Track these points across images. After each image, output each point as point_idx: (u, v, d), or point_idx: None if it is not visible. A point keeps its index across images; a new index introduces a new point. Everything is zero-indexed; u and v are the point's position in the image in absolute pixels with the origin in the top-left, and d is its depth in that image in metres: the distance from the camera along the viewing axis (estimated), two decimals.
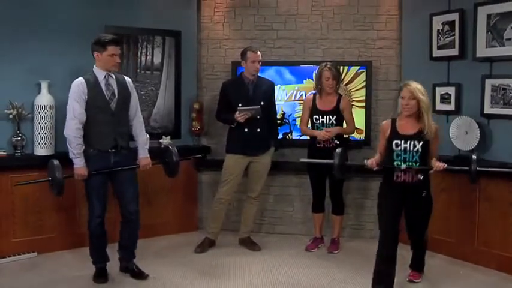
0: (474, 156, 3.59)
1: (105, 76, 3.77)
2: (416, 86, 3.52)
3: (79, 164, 3.71)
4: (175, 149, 4.04)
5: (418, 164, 3.52)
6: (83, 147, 3.72)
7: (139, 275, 3.92)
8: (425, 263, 4.00)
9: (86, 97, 3.70)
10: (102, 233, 3.86)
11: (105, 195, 3.84)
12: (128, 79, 3.97)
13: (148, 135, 4.06)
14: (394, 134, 3.58)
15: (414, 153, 3.52)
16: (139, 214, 3.94)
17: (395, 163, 3.55)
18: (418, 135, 3.52)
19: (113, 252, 4.01)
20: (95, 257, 3.91)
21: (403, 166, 3.52)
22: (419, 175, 3.54)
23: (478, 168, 3.56)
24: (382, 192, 3.69)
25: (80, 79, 3.74)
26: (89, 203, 3.83)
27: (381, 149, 3.72)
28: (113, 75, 3.83)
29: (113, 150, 3.78)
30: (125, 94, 3.86)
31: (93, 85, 3.73)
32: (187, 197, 5.22)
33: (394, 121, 3.64)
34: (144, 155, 3.98)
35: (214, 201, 4.66)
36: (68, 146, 3.73)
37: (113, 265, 4.00)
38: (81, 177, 3.74)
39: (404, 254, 3.83)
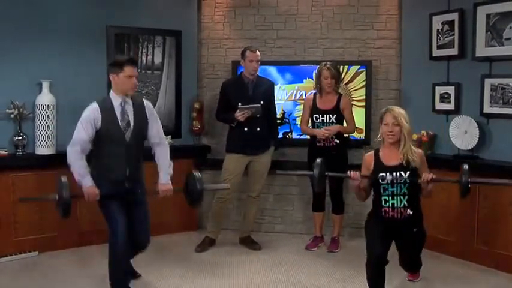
0: (466, 166, 3.23)
1: (121, 103, 3.46)
2: (400, 111, 3.33)
3: (87, 183, 3.36)
4: (199, 174, 3.60)
5: (407, 197, 3.29)
6: (88, 168, 3.43)
7: (132, 274, 3.80)
8: (425, 262, 4.02)
9: (99, 125, 3.41)
10: (127, 254, 3.53)
11: (125, 217, 3.48)
12: (147, 104, 3.63)
13: (172, 162, 3.69)
14: (379, 166, 3.35)
15: (402, 185, 3.28)
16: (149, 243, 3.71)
17: (382, 198, 3.32)
18: (403, 165, 3.29)
19: (106, 252, 3.99)
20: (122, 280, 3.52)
21: (389, 177, 3.27)
22: (408, 210, 3.30)
23: (469, 180, 3.21)
24: (369, 224, 3.47)
25: (95, 106, 3.44)
26: (109, 222, 3.45)
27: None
28: (130, 101, 3.51)
29: (126, 184, 3.50)
30: (142, 124, 3.54)
31: (107, 113, 3.42)
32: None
33: (377, 152, 3.41)
34: (165, 181, 3.61)
35: (214, 201, 4.68)
36: (72, 170, 3.42)
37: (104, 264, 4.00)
38: (92, 198, 3.38)
39: None
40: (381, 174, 3.31)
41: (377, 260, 3.24)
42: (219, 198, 4.62)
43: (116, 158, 3.45)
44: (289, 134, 5.13)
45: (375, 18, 5.04)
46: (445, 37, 4.53)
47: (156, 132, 3.63)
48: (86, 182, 3.37)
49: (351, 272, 4.10)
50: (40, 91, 4.40)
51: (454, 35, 4.46)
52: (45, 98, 4.39)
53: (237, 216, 5.10)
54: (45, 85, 4.40)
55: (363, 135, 5.00)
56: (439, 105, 4.61)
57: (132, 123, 3.48)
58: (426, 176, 3.25)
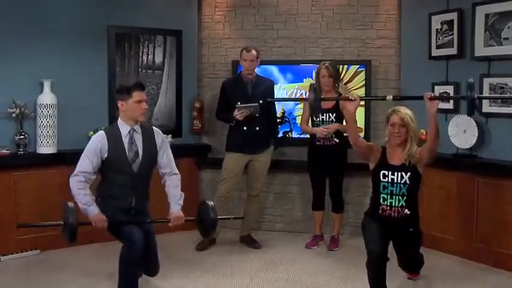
0: (471, 80, 3.28)
1: (129, 131, 3.36)
2: (406, 112, 3.34)
3: (94, 211, 3.28)
4: (212, 203, 3.52)
5: (405, 197, 3.32)
6: (92, 196, 3.35)
7: None
8: (424, 261, 4.05)
9: (105, 156, 3.31)
10: (139, 263, 3.41)
11: (137, 227, 3.38)
12: (157, 132, 3.51)
13: (183, 193, 3.65)
14: (383, 163, 3.40)
15: (402, 186, 3.32)
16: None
17: (381, 196, 3.37)
18: (405, 166, 3.34)
19: (107, 249, 4.02)
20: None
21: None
22: (406, 210, 3.33)
23: (475, 96, 3.27)
24: (366, 224, 3.49)
25: (102, 134, 3.35)
26: (122, 234, 3.34)
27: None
28: (139, 130, 3.40)
29: (131, 211, 3.43)
30: (152, 153, 3.44)
31: (114, 142, 3.32)
32: (188, 195, 5.18)
33: (384, 150, 3.46)
34: (176, 210, 3.53)
35: (214, 199, 4.69)
36: (76, 200, 3.34)
37: (111, 262, 4.01)
38: (100, 225, 3.29)
39: None
40: (383, 172, 3.36)
41: (377, 259, 3.26)
42: (219, 196, 4.64)
43: (122, 188, 3.36)
44: (289, 133, 5.16)
45: (375, 18, 5.06)
46: (444, 37, 4.56)
47: (167, 161, 3.53)
48: (92, 210, 3.29)
49: (351, 271, 4.13)
50: (41, 91, 4.43)
51: (453, 34, 4.48)
52: (47, 97, 4.42)
53: (238, 214, 5.12)
54: (47, 85, 4.42)
55: (362, 134, 5.01)
56: (439, 105, 4.62)
57: (140, 154, 3.38)
58: (427, 93, 3.27)
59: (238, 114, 4.42)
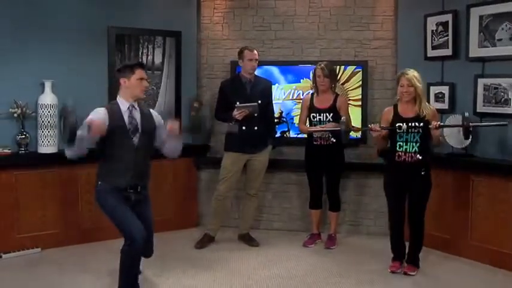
0: (466, 114, 3.91)
1: (128, 107, 3.44)
2: (413, 74, 3.88)
3: (84, 127, 3.20)
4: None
5: (418, 143, 3.87)
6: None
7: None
8: (421, 258, 4.11)
9: (107, 127, 3.31)
10: (140, 257, 3.49)
11: (138, 221, 3.39)
12: (154, 113, 3.65)
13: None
14: (397, 117, 3.95)
15: (415, 134, 3.86)
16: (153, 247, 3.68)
17: (397, 144, 3.91)
18: (418, 118, 3.87)
19: (107, 247, 4.07)
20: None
21: (404, 127, 3.86)
22: (418, 155, 3.88)
23: (470, 124, 3.87)
24: (387, 176, 4.10)
25: (102, 109, 3.41)
26: (123, 228, 3.35)
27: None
28: (137, 108, 3.49)
29: (131, 191, 3.43)
30: (150, 128, 3.52)
31: (115, 116, 3.38)
32: (187, 194, 5.31)
33: (395, 107, 4.00)
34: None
35: (213, 198, 4.75)
36: (77, 149, 3.27)
37: (111, 260, 4.06)
38: (97, 127, 3.19)
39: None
40: (398, 124, 3.90)
41: (396, 212, 4.04)
42: (218, 196, 4.69)
43: (122, 163, 3.39)
44: (287, 133, 5.21)
45: (371, 19, 5.12)
46: (440, 38, 4.62)
47: (163, 132, 3.59)
48: (83, 128, 3.20)
49: (347, 268, 4.19)
50: (42, 91, 4.48)
51: (448, 35, 4.54)
52: (48, 97, 4.46)
53: (236, 213, 5.18)
54: (48, 85, 4.47)
55: (359, 134, 5.08)
56: (434, 105, 4.64)
57: (140, 128, 3.45)
58: (435, 122, 3.85)
59: (237, 114, 4.47)
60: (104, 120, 3.30)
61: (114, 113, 3.40)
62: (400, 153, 3.92)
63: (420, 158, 3.88)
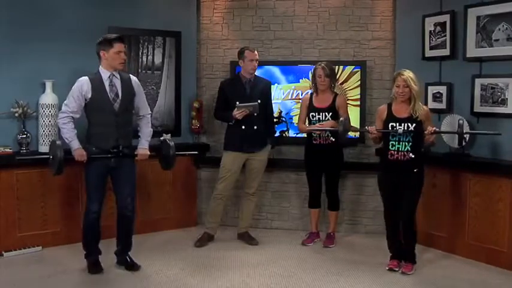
0: (461, 121, 3.97)
1: (109, 76, 3.82)
2: (409, 74, 3.91)
3: (75, 145, 3.77)
4: (173, 143, 4.01)
5: (410, 143, 3.90)
6: (75, 131, 3.81)
7: (132, 266, 4.03)
8: (418, 257, 4.13)
9: (89, 96, 3.77)
10: (97, 227, 3.96)
11: (104, 192, 3.95)
12: (134, 78, 4.01)
13: (152, 130, 4.13)
14: (390, 117, 4.00)
15: (408, 133, 3.90)
16: (135, 210, 4.04)
17: (390, 143, 3.95)
18: (411, 118, 3.91)
19: (108, 246, 4.11)
20: (87, 249, 4.00)
21: (400, 130, 3.90)
22: (410, 154, 3.92)
23: (464, 131, 3.99)
24: (380, 175, 4.14)
25: (85, 78, 3.80)
26: (87, 198, 3.95)
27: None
28: (118, 75, 3.87)
29: (115, 150, 3.83)
30: (129, 95, 3.90)
31: (97, 85, 3.78)
32: (186, 193, 5.35)
33: (389, 106, 4.05)
34: (143, 146, 4.02)
35: (212, 197, 4.78)
36: (61, 135, 3.85)
37: (107, 259, 4.10)
38: (81, 158, 3.76)
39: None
40: (391, 124, 3.96)
41: (390, 209, 4.07)
42: (217, 194, 4.72)
43: (106, 127, 3.79)
44: (286, 133, 5.24)
45: (370, 20, 5.15)
46: (437, 38, 4.65)
47: (142, 103, 4.02)
48: (74, 145, 3.77)
49: (346, 266, 4.22)
50: (43, 91, 4.51)
51: (445, 36, 4.58)
52: (48, 97, 4.49)
53: (235, 212, 5.21)
54: (48, 85, 4.50)
55: (357, 134, 5.11)
56: (432, 105, 4.72)
57: (120, 94, 3.82)
58: (430, 128, 3.88)
59: (237, 113, 4.50)
60: (83, 153, 3.78)
61: (96, 81, 3.78)
62: (392, 152, 3.96)
63: (413, 156, 3.92)
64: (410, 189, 3.97)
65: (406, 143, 3.92)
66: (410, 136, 3.91)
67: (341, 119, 4.21)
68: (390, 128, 3.97)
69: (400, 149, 3.94)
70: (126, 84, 3.89)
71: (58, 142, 3.72)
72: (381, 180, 4.15)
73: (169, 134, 5.02)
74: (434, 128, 3.90)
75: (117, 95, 3.83)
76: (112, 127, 3.82)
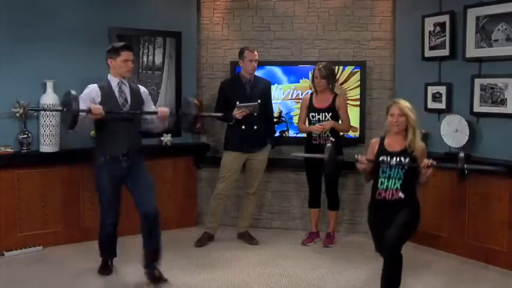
0: (461, 155, 3.49)
1: (118, 83, 3.81)
2: (405, 103, 3.51)
3: (87, 109, 3.57)
4: (193, 100, 3.94)
5: (401, 181, 3.42)
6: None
7: (157, 279, 3.75)
8: (416, 257, 4.15)
9: (98, 101, 3.70)
10: (114, 237, 3.95)
11: (119, 201, 3.87)
12: (142, 88, 4.02)
13: None
14: (381, 150, 3.54)
15: (399, 170, 3.43)
16: (159, 213, 3.79)
17: (379, 180, 3.48)
18: (405, 152, 3.45)
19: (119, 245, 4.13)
20: (103, 253, 3.99)
21: (393, 162, 3.43)
22: (399, 193, 3.43)
23: (465, 166, 3.43)
24: (369, 214, 3.67)
25: (94, 85, 3.79)
26: (101, 210, 3.86)
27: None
28: (127, 83, 3.86)
29: (125, 158, 3.76)
30: (138, 100, 3.89)
31: (106, 90, 3.76)
32: (187, 193, 5.36)
33: (382, 139, 3.60)
34: (162, 107, 3.95)
35: (212, 197, 4.80)
36: (75, 130, 3.63)
37: (117, 258, 4.11)
38: (98, 111, 3.57)
39: (409, 252, 3.79)
40: (382, 158, 3.48)
41: (381, 252, 3.55)
42: (217, 194, 4.74)
43: (115, 132, 3.74)
44: (286, 133, 5.26)
45: (370, 20, 5.16)
46: (437, 38, 4.66)
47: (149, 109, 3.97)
48: (85, 110, 3.57)
49: (346, 266, 4.24)
50: (44, 91, 4.52)
51: (445, 36, 4.58)
52: (49, 97, 4.50)
53: (235, 212, 5.22)
54: (49, 85, 4.51)
55: (357, 134, 5.12)
56: (431, 105, 4.74)
57: (129, 100, 3.81)
58: (426, 161, 3.39)
59: (237, 113, 4.52)
60: (98, 99, 3.70)
61: (105, 88, 3.77)
62: (380, 190, 3.47)
63: (402, 196, 3.42)
64: (400, 217, 3.41)
65: (396, 180, 3.42)
66: (402, 173, 3.42)
67: (328, 145, 3.67)
68: (381, 163, 3.49)
69: (389, 187, 3.44)
70: (135, 93, 3.90)
71: (73, 92, 3.53)
72: (369, 221, 3.68)
73: (170, 134, 5.03)
74: (431, 161, 3.39)
75: (126, 100, 3.81)
76: (122, 133, 3.76)
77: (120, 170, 3.76)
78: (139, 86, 4.03)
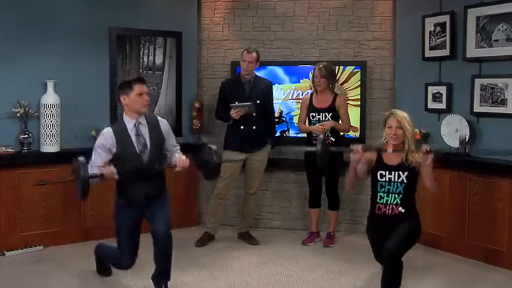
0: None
1: (135, 124, 3.45)
2: (402, 114, 3.43)
3: (100, 169, 3.34)
4: (215, 148, 3.61)
5: (401, 195, 3.38)
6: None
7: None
8: (417, 257, 4.14)
9: (114, 150, 3.40)
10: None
11: (137, 241, 3.60)
12: (162, 121, 3.61)
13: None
14: (380, 164, 3.47)
15: (398, 184, 3.39)
16: (171, 237, 3.51)
17: (378, 195, 3.44)
18: (403, 165, 3.40)
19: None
20: (108, 262, 3.88)
21: (390, 151, 3.40)
22: (400, 208, 3.39)
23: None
24: (368, 226, 3.62)
25: (108, 130, 3.45)
26: (118, 247, 3.61)
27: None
28: (144, 121, 3.49)
29: (143, 202, 3.50)
30: (158, 143, 3.51)
31: (122, 137, 3.42)
32: (187, 193, 5.37)
33: (379, 152, 3.51)
34: (180, 155, 3.60)
35: (212, 197, 4.80)
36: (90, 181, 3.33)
37: None
38: (111, 175, 3.35)
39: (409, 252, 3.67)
40: (380, 172, 3.43)
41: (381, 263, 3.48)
42: (217, 194, 4.75)
43: (134, 180, 3.42)
44: (286, 133, 5.26)
45: (370, 20, 5.17)
46: (437, 38, 4.67)
47: (171, 146, 3.64)
48: (98, 170, 3.33)
49: (346, 266, 4.24)
50: (45, 91, 4.53)
51: (445, 36, 4.59)
52: (50, 97, 4.51)
53: (236, 212, 5.23)
54: (50, 85, 4.52)
55: (358, 134, 5.13)
56: (432, 105, 4.75)
57: (148, 145, 3.46)
58: (425, 146, 3.35)
59: (234, 113, 4.53)
60: (114, 148, 3.40)
61: (120, 133, 3.42)
62: (380, 205, 3.43)
63: (403, 211, 3.38)
64: (402, 228, 3.36)
65: (396, 195, 3.39)
66: (402, 187, 3.38)
67: (319, 136, 3.62)
68: (379, 177, 3.42)
69: (389, 202, 3.40)
70: (154, 130, 3.51)
71: (81, 159, 3.26)
72: (367, 231, 3.63)
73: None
74: (430, 146, 3.36)
75: (145, 146, 3.45)
76: (141, 180, 3.43)
77: (138, 211, 3.53)
78: (159, 119, 3.60)
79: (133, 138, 3.43)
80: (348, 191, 3.65)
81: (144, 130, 3.48)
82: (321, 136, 3.65)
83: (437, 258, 4.44)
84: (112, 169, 3.35)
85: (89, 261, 4.11)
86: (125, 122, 3.47)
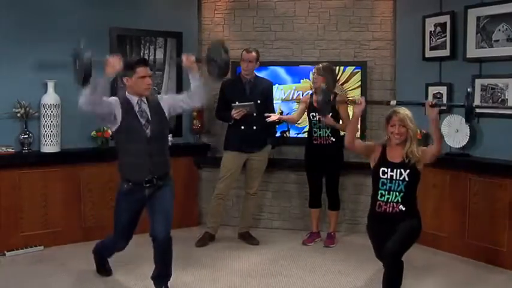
0: (469, 89, 3.44)
1: (137, 101, 3.46)
2: (405, 113, 3.41)
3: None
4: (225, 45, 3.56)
5: (402, 193, 3.36)
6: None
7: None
8: (417, 257, 4.14)
9: (120, 119, 3.39)
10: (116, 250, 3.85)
11: (134, 229, 3.65)
12: (160, 97, 3.67)
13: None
14: (382, 160, 3.45)
15: (400, 182, 3.37)
16: (170, 239, 3.49)
17: (379, 192, 3.42)
18: (405, 163, 3.39)
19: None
20: (102, 259, 3.93)
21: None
22: (400, 206, 3.37)
23: (473, 104, 3.41)
24: (368, 224, 3.59)
25: (116, 98, 3.47)
26: (114, 230, 3.65)
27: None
28: (145, 100, 3.50)
29: (148, 185, 3.45)
30: (161, 118, 3.53)
31: (127, 108, 3.42)
32: (188, 193, 5.37)
33: (384, 147, 3.50)
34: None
35: (213, 197, 4.80)
36: (89, 95, 3.20)
37: (112, 259, 4.06)
38: (115, 61, 3.27)
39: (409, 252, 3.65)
40: (382, 169, 3.42)
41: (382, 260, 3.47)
42: (217, 194, 4.75)
43: (137, 157, 3.41)
44: (286, 133, 5.26)
45: (370, 20, 5.17)
46: (437, 39, 4.67)
47: (179, 98, 3.68)
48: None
49: (346, 266, 4.24)
50: (45, 91, 4.53)
51: (445, 36, 4.59)
52: (51, 97, 4.52)
53: (236, 212, 5.23)
54: (51, 85, 4.52)
55: (358, 134, 5.11)
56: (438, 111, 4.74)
57: (151, 120, 3.47)
58: (430, 100, 3.36)
59: (235, 113, 4.53)
60: (119, 116, 3.38)
61: (126, 104, 3.43)
62: (381, 202, 3.41)
63: (403, 209, 3.36)
64: (403, 226, 3.36)
65: (397, 193, 3.36)
66: (403, 185, 3.36)
67: (322, 85, 3.74)
68: (381, 174, 3.41)
69: (390, 200, 3.38)
70: (155, 108, 3.53)
71: (82, 46, 3.18)
72: (368, 233, 3.60)
73: (171, 134, 5.02)
74: (435, 101, 3.36)
75: (148, 120, 3.46)
76: (144, 156, 3.41)
77: (140, 201, 3.50)
78: (158, 98, 3.65)
79: (137, 112, 3.45)
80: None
81: (146, 108, 3.49)
82: (323, 86, 3.81)
83: (437, 258, 4.44)
84: (116, 58, 3.27)
85: (89, 261, 4.11)
86: (129, 98, 3.48)
